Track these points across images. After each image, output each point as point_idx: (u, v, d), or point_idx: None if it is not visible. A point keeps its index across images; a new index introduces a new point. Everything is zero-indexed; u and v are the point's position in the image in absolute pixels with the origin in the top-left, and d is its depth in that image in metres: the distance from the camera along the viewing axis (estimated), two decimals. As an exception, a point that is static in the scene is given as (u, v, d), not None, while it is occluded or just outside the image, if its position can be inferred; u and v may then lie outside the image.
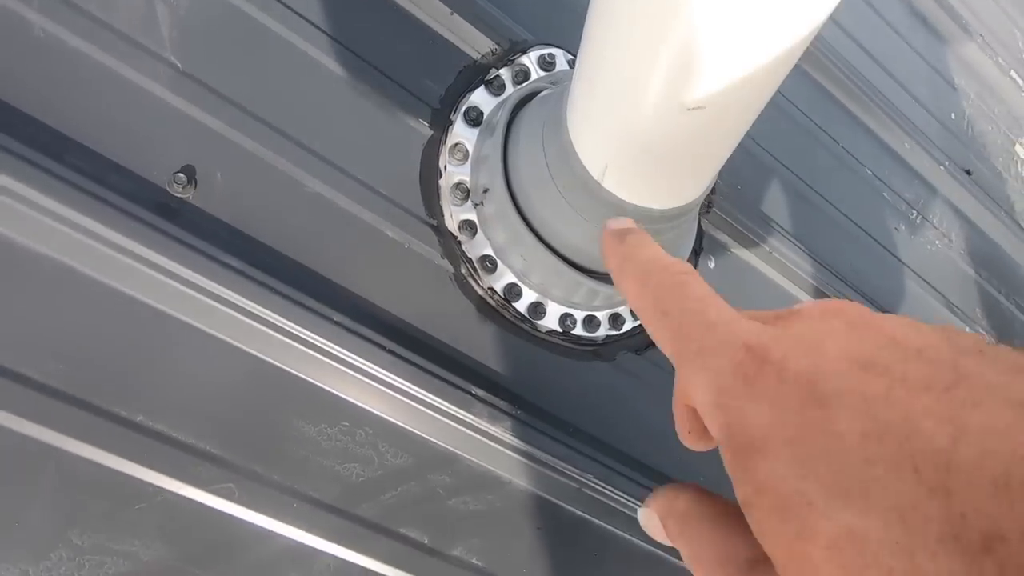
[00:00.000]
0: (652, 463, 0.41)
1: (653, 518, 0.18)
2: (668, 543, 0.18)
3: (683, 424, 0.19)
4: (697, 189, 0.32)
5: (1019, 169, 0.78)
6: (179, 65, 0.33)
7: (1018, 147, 0.79)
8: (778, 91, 0.57)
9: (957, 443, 0.11)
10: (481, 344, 0.38)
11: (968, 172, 0.70)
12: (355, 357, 0.33)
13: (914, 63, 0.71)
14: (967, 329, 0.66)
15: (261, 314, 0.31)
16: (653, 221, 0.34)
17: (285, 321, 0.31)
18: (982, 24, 0.81)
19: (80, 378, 0.28)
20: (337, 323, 0.33)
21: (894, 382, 0.13)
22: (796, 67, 0.55)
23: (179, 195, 0.32)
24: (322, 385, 0.33)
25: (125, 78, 0.32)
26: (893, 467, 0.12)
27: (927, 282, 0.64)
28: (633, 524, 0.39)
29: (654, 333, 0.19)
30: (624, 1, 0.24)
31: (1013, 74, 0.81)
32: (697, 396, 0.16)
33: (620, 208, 0.33)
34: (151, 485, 0.29)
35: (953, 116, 0.73)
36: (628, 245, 0.21)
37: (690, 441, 0.19)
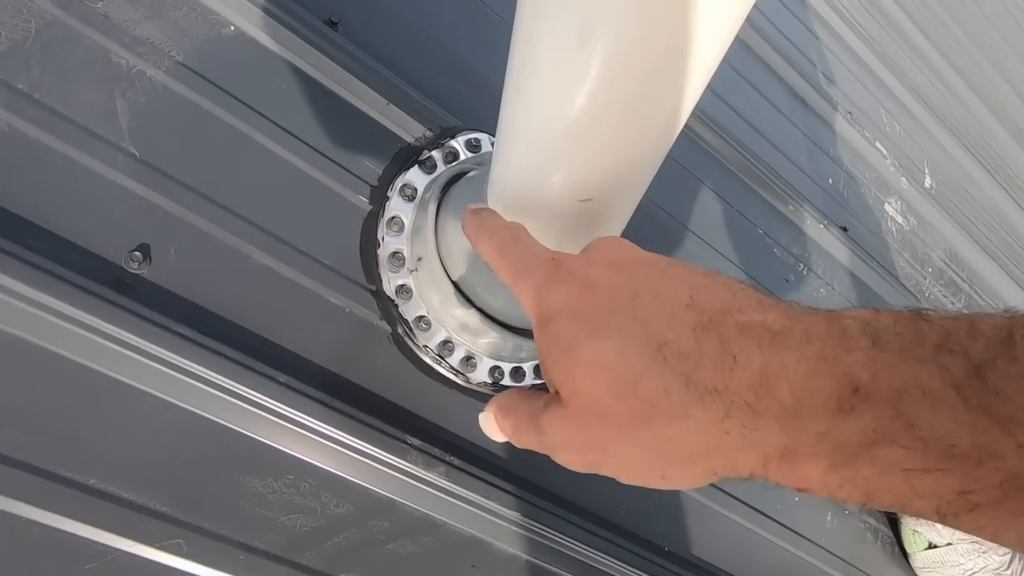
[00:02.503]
0: (576, 500, 0.45)
1: (488, 417, 0.27)
2: (500, 438, 0.27)
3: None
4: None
5: (889, 225, 0.91)
6: (137, 153, 0.37)
7: (887, 206, 0.92)
8: (681, 164, 0.66)
9: (655, 300, 0.22)
10: (417, 397, 0.42)
11: (844, 229, 0.81)
12: (298, 414, 0.36)
13: (795, 137, 0.83)
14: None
15: (211, 378, 0.34)
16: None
17: (233, 383, 0.35)
18: (851, 103, 0.95)
19: (35, 446, 0.30)
20: (283, 384, 0.36)
21: (630, 276, 0.23)
22: (696, 143, 0.65)
23: (135, 271, 0.35)
24: (268, 441, 0.36)
25: (85, 166, 0.35)
26: (625, 318, 0.22)
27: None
28: (560, 558, 0.43)
29: (498, 268, 0.28)
30: (521, 124, 0.30)
31: (878, 144, 0.95)
32: (524, 300, 0.26)
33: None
34: (101, 544, 0.30)
35: (830, 181, 0.85)
36: (482, 216, 0.31)
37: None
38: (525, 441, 0.25)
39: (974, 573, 0.66)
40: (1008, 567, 0.65)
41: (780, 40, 0.88)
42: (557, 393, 0.23)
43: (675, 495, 0.52)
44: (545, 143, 0.29)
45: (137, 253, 0.35)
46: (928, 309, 0.18)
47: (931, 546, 0.67)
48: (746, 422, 0.19)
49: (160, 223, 0.36)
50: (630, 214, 0.36)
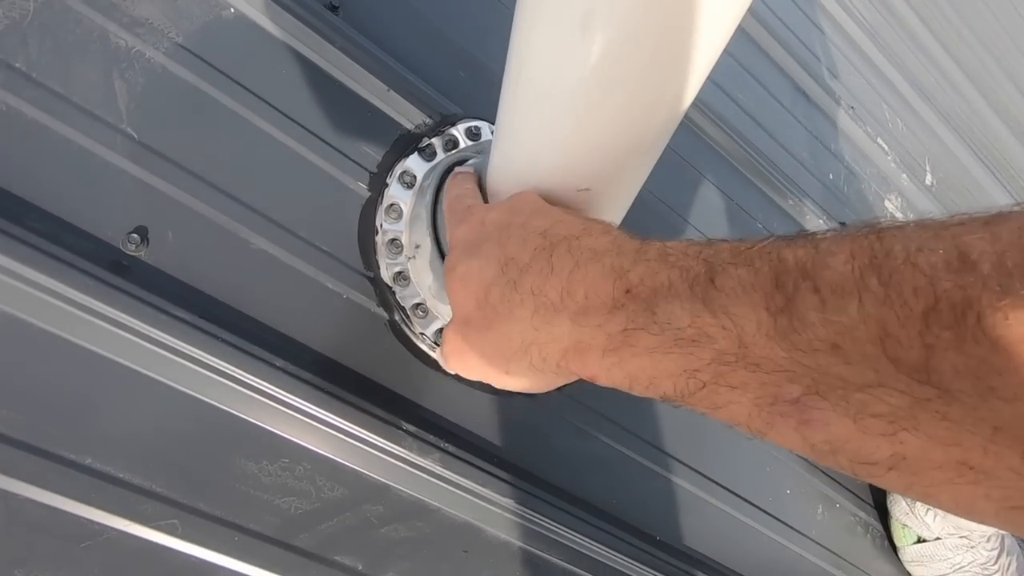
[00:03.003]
0: (569, 488, 0.46)
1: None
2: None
3: None
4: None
5: (889, 221, 0.91)
6: (135, 135, 0.37)
7: (887, 202, 0.92)
8: (680, 155, 0.66)
9: (520, 229, 0.28)
10: (413, 384, 0.42)
11: (843, 224, 0.81)
12: (294, 398, 0.36)
13: (796, 131, 0.83)
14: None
15: (207, 361, 0.34)
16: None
17: (230, 367, 0.35)
18: (854, 98, 0.94)
19: (31, 425, 0.31)
20: (279, 368, 0.36)
21: (513, 214, 0.29)
22: (696, 135, 0.65)
23: (132, 253, 0.35)
24: (263, 425, 0.36)
25: (83, 147, 0.35)
26: (492, 244, 0.28)
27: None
28: (553, 545, 0.44)
29: (449, 224, 0.35)
30: (521, 110, 0.30)
31: (880, 140, 0.94)
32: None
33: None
34: (98, 524, 0.31)
35: (831, 176, 0.85)
36: (454, 183, 0.38)
37: None
38: (442, 361, 0.33)
39: (962, 567, 0.66)
40: (996, 561, 0.66)
41: (784, 33, 0.88)
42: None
43: (667, 486, 0.52)
44: (544, 130, 0.29)
45: (135, 235, 0.35)
46: (721, 239, 0.23)
47: (920, 540, 0.68)
48: (549, 319, 0.24)
49: (158, 206, 0.36)
50: (628, 204, 0.36)
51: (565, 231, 0.26)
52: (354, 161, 0.44)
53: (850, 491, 0.69)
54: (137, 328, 0.33)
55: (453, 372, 0.31)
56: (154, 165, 0.37)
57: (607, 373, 0.23)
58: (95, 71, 0.37)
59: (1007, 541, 0.68)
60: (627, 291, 0.23)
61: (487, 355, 0.28)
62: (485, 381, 0.30)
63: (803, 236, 0.20)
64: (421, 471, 0.39)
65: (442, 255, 0.42)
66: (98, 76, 0.37)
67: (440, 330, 0.44)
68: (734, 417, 0.21)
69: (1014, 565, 0.67)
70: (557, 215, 0.28)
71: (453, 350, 0.30)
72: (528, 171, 0.33)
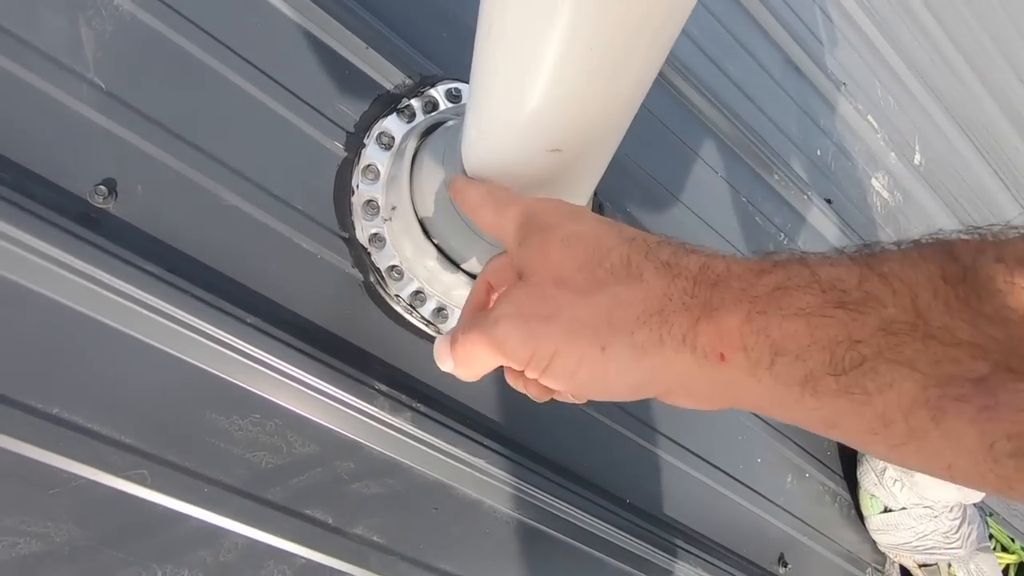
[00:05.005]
0: (540, 450, 0.47)
1: (442, 343, 0.28)
2: (447, 365, 0.28)
3: (481, 291, 0.31)
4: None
5: (875, 200, 0.91)
6: (103, 85, 0.36)
7: (874, 180, 0.92)
8: (667, 126, 0.65)
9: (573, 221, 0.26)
10: (386, 344, 0.42)
11: (829, 201, 0.81)
12: (267, 355, 0.36)
13: (786, 105, 0.82)
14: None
15: (176, 315, 0.34)
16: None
17: (200, 322, 0.35)
18: (846, 73, 0.94)
19: (-3, 373, 0.31)
20: (250, 324, 0.36)
21: (568, 221, 0.27)
22: (683, 106, 0.64)
23: (100, 206, 0.34)
24: (234, 380, 0.36)
25: (48, 96, 0.34)
26: (598, 219, 0.27)
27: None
28: (522, 504, 0.45)
29: (486, 224, 0.31)
30: (491, 68, 0.29)
31: (870, 117, 0.94)
32: (510, 209, 0.29)
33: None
34: (65, 472, 0.31)
35: (819, 152, 0.84)
36: (466, 182, 0.34)
37: (484, 303, 0.31)
38: (464, 323, 0.27)
39: (925, 535, 0.69)
40: (957, 531, 0.68)
41: (776, 2, 0.86)
42: (518, 278, 0.26)
43: (639, 451, 0.53)
44: (514, 89, 0.29)
45: (102, 187, 0.34)
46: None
47: (886, 510, 0.70)
48: (687, 289, 0.22)
49: (126, 158, 0.36)
50: (602, 168, 0.36)
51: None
52: (331, 120, 0.44)
53: (820, 462, 0.71)
54: (104, 280, 0.33)
55: (502, 339, 0.25)
56: (122, 116, 0.36)
57: (749, 339, 0.20)
58: (61, 18, 0.36)
59: (968, 511, 0.70)
60: (775, 263, 0.21)
61: (585, 323, 0.23)
62: (558, 354, 0.23)
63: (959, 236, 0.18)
64: (393, 430, 0.40)
65: (418, 217, 0.42)
66: (64, 23, 0.36)
67: (416, 292, 0.44)
68: (890, 406, 0.17)
69: (975, 534, 0.69)
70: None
71: (520, 311, 0.24)
72: (500, 131, 0.32)
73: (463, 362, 0.27)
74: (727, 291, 0.21)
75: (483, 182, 0.33)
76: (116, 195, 0.35)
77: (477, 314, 0.27)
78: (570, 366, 0.23)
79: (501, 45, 0.28)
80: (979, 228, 0.18)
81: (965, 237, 0.18)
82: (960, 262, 0.17)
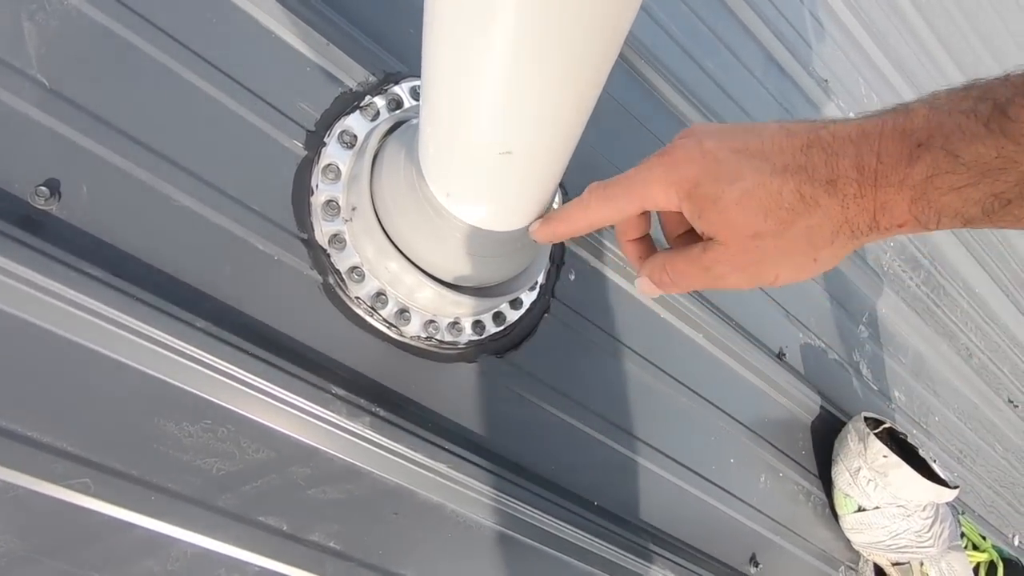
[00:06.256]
0: (503, 452, 0.46)
1: (644, 280, 0.35)
2: (657, 293, 0.36)
3: (633, 252, 0.36)
4: (528, 216, 0.38)
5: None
6: (46, 83, 0.35)
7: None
8: (644, 126, 0.64)
9: (761, 142, 0.29)
10: (346, 348, 0.41)
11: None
12: (218, 360, 0.36)
13: (766, 102, 0.81)
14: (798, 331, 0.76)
15: (122, 320, 0.33)
16: (498, 241, 0.39)
17: (147, 327, 0.34)
18: (828, 70, 0.93)
19: (-70, 381, 0.30)
20: (200, 328, 0.35)
21: (722, 138, 0.30)
22: (659, 103, 0.63)
23: (42, 207, 0.33)
24: (183, 386, 0.35)
25: (-13, 93, 0.33)
26: (748, 162, 0.29)
27: (777, 302, 0.74)
28: (484, 509, 0.44)
29: (614, 198, 0.33)
30: (435, 67, 0.28)
31: (851, 115, 0.93)
32: (657, 194, 0.31)
33: (464, 230, 0.37)
34: (2, 482, 0.30)
35: (799, 150, 0.84)
36: (571, 214, 0.36)
37: (642, 254, 0.36)
38: (690, 283, 0.33)
39: (898, 534, 0.69)
40: (929, 529, 0.68)
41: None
42: (710, 240, 0.31)
43: (608, 453, 0.53)
44: (458, 90, 0.28)
45: (44, 188, 0.33)
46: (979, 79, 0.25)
47: (860, 509, 0.70)
48: (855, 192, 0.26)
49: (71, 158, 0.35)
50: (560, 170, 0.35)
51: (803, 128, 0.28)
52: (290, 118, 0.43)
53: (795, 461, 0.71)
54: (46, 285, 0.32)
55: (731, 286, 0.32)
56: (66, 115, 0.35)
57: (919, 215, 0.26)
58: (2, 12, 0.34)
59: (941, 510, 0.70)
60: (918, 145, 0.25)
61: (792, 252, 0.29)
62: (781, 279, 0.31)
63: None
64: (350, 434, 0.39)
65: (379, 219, 0.41)
66: (4, 18, 0.35)
67: (378, 294, 0.43)
68: None
69: (946, 533, 0.70)
70: (758, 125, 0.30)
71: (736, 268, 0.30)
72: (450, 135, 0.31)
73: (673, 291, 0.34)
74: (889, 187, 0.26)
75: (560, 209, 0.36)
76: (59, 196, 0.34)
77: (683, 263, 0.32)
78: (791, 279, 0.31)
79: (440, 38, 0.27)
80: None
81: None
82: None
